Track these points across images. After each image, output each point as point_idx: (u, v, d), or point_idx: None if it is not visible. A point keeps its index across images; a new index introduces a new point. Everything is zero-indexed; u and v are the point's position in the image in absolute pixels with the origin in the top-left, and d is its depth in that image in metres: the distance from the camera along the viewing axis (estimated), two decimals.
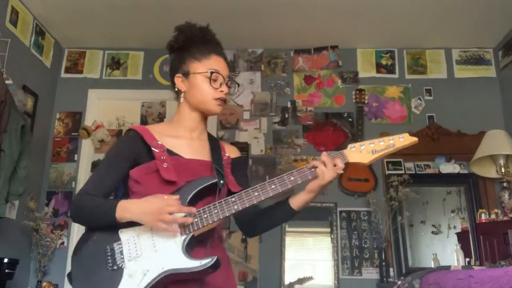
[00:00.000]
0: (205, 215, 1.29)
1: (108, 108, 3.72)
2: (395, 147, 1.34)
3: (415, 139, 1.33)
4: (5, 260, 2.69)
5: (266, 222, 1.47)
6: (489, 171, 3.17)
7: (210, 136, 1.56)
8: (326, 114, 3.64)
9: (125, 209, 1.29)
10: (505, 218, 2.53)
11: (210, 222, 1.29)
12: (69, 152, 3.58)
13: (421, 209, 3.36)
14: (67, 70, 3.79)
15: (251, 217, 1.47)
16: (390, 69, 3.72)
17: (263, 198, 1.31)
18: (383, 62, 3.73)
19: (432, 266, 2.85)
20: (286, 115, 3.64)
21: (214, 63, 1.47)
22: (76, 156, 3.57)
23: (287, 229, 3.29)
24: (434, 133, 3.43)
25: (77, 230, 3.41)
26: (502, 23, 3.33)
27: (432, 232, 3.32)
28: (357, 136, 3.45)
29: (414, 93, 3.64)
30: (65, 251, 3.34)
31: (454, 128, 3.47)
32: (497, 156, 3.06)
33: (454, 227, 3.28)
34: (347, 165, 1.35)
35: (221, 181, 1.38)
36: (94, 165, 3.60)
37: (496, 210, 2.62)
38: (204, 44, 1.51)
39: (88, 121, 3.63)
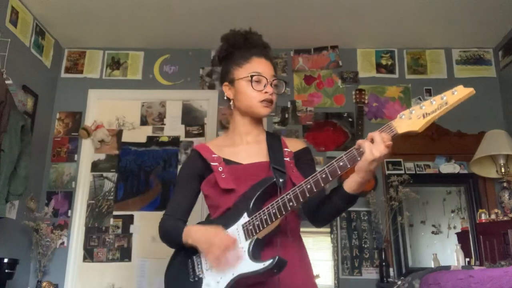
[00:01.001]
0: (265, 217, 1.30)
1: (108, 108, 3.72)
2: (449, 104, 1.14)
3: (470, 89, 1.12)
4: (5, 260, 2.68)
5: (329, 210, 1.42)
6: (489, 171, 3.17)
7: (269, 136, 1.56)
8: (326, 114, 3.64)
9: (187, 234, 1.40)
10: (505, 218, 2.53)
11: (270, 223, 1.30)
12: (69, 152, 3.58)
13: (421, 209, 3.36)
14: (67, 70, 3.78)
15: (316, 207, 1.44)
16: (390, 69, 3.72)
17: (315, 190, 1.27)
18: (383, 62, 3.73)
19: (432, 266, 2.85)
20: (286, 115, 3.64)
21: (256, 65, 1.49)
22: (76, 156, 3.56)
23: None
24: (434, 133, 3.43)
25: (77, 230, 3.41)
26: (502, 23, 3.33)
27: (432, 232, 3.32)
28: (357, 136, 3.45)
29: (414, 93, 3.64)
30: (65, 251, 3.34)
31: (454, 128, 3.47)
32: (497, 156, 3.06)
33: (454, 227, 3.27)
34: (396, 136, 1.21)
35: (280, 180, 1.37)
36: (94, 165, 3.60)
37: (496, 210, 2.62)
38: (247, 48, 1.53)
39: (88, 121, 3.63)
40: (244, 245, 1.31)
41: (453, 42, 3.65)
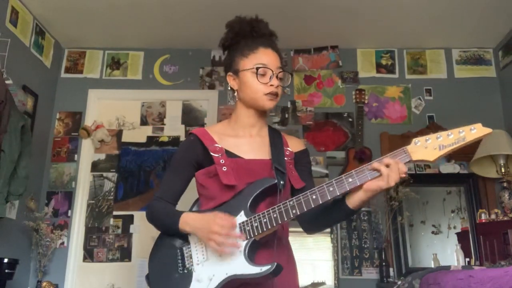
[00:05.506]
0: (265, 220, 1.28)
1: (108, 108, 3.72)
2: (466, 141, 1.21)
3: (489, 130, 1.17)
4: (5, 260, 2.68)
5: (324, 221, 1.43)
6: (489, 171, 3.17)
7: (271, 131, 1.53)
8: (326, 114, 3.64)
9: (185, 222, 1.34)
10: (505, 218, 2.53)
11: (270, 227, 1.28)
12: (69, 152, 3.58)
13: (421, 209, 3.36)
14: (67, 70, 3.78)
15: (310, 216, 1.42)
16: (390, 69, 3.72)
17: (321, 202, 1.26)
18: (383, 62, 3.73)
19: (432, 266, 2.85)
20: (286, 115, 3.64)
21: (262, 56, 1.44)
22: (76, 156, 3.56)
23: None
24: (434, 133, 3.42)
25: (77, 230, 3.41)
26: (502, 23, 3.33)
27: (432, 232, 3.32)
28: (357, 136, 3.45)
29: (414, 93, 3.64)
30: (65, 251, 3.34)
31: (454, 128, 3.46)
32: (497, 156, 3.06)
33: (454, 227, 3.27)
34: (410, 163, 1.23)
35: (281, 182, 1.35)
36: (94, 165, 3.60)
37: (496, 210, 2.62)
38: (252, 38, 1.49)
39: (88, 121, 3.63)
40: (241, 244, 1.29)
41: (453, 42, 3.65)
